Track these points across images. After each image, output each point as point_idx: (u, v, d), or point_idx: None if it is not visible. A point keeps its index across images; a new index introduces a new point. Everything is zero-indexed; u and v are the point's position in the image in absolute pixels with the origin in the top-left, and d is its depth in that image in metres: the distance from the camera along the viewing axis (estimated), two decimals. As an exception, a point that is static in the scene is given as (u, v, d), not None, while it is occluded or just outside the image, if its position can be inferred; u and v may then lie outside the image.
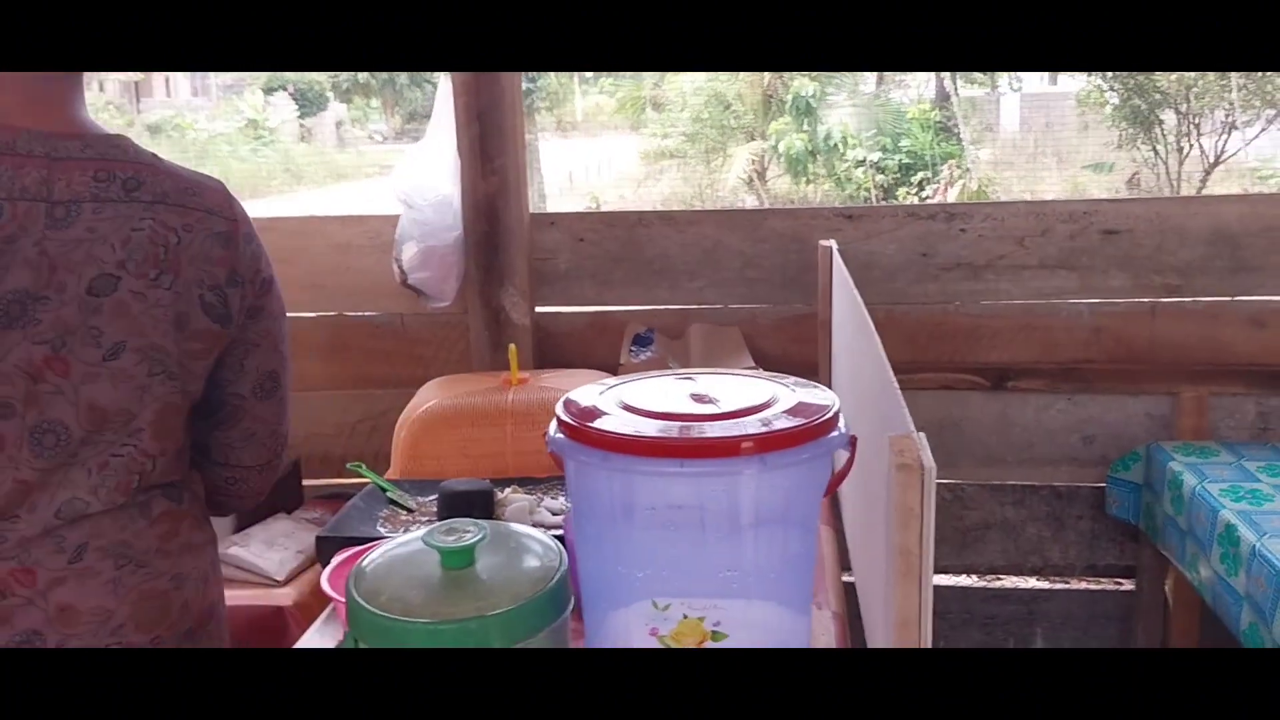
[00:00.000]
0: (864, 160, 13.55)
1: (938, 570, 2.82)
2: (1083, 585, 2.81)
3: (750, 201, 13.98)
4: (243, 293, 1.25)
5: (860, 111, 14.80)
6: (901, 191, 13.16)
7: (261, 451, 1.34)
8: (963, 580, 2.84)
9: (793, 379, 1.22)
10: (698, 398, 1.15)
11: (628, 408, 1.13)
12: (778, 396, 1.15)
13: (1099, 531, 2.66)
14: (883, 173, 13.41)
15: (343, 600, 1.25)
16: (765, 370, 2.40)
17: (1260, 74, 11.06)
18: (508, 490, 1.86)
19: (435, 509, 1.79)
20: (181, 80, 26.62)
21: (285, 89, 21.19)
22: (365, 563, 1.15)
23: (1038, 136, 15.21)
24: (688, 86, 15.52)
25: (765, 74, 14.32)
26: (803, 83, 14.04)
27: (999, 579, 2.90)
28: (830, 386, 2.28)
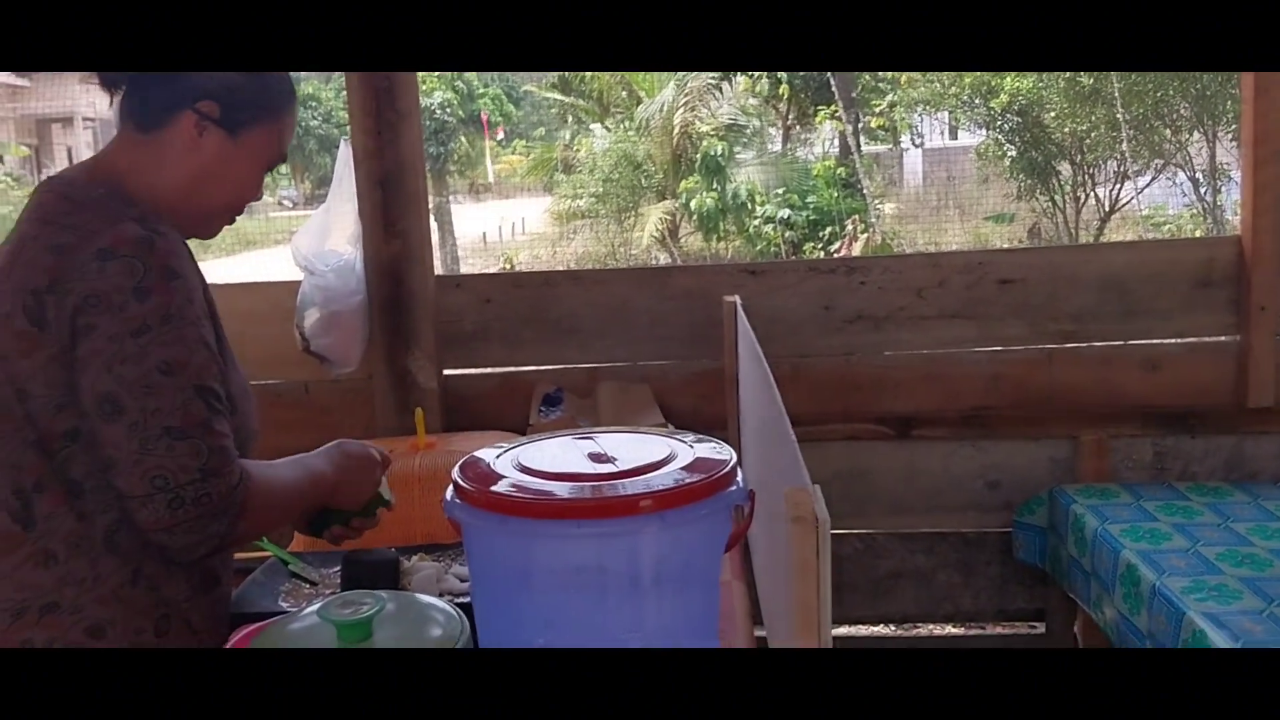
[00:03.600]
0: (773, 217, 13.77)
1: (853, 621, 2.83)
2: (996, 630, 2.84)
3: (663, 259, 14.10)
4: (62, 302, 1.29)
5: (768, 169, 15.08)
6: (809, 246, 13.39)
7: (133, 482, 1.28)
8: (878, 630, 2.86)
9: (692, 435, 1.22)
10: (596, 457, 1.14)
11: (525, 470, 1.12)
12: (676, 453, 1.15)
13: (1008, 576, 2.69)
14: (791, 229, 13.64)
15: (238, 679, 1.21)
16: (675, 426, 2.41)
17: (1148, 125, 11.52)
18: (414, 558, 1.82)
19: (340, 581, 1.74)
20: (84, 149, 26.17)
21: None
22: (259, 641, 1.12)
23: (940, 190, 15.62)
24: (598, 147, 15.68)
25: (674, 134, 14.54)
26: (712, 142, 14.28)
27: (914, 628, 2.92)
28: (739, 440, 2.29)
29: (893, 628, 2.93)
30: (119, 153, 1.45)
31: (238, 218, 1.56)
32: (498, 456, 1.17)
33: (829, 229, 13.53)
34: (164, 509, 1.27)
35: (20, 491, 1.34)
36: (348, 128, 2.58)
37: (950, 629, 2.91)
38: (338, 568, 1.80)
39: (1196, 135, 11.63)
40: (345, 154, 2.57)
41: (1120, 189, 12.54)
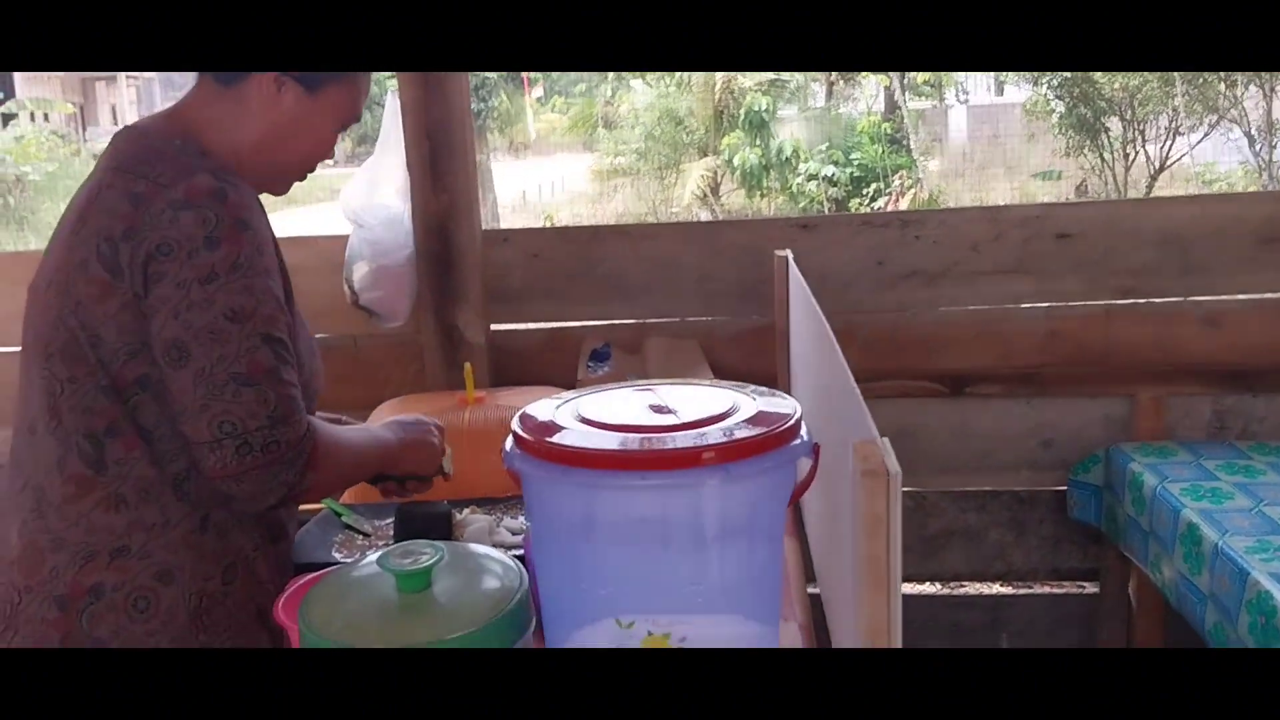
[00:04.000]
0: (816, 173, 13.63)
1: (901, 579, 2.81)
2: (1046, 589, 2.81)
3: (704, 216, 14.01)
4: (135, 250, 1.31)
5: (811, 124, 14.91)
6: (854, 203, 13.26)
7: (200, 428, 1.29)
8: (926, 588, 2.84)
9: (753, 387, 1.20)
10: (657, 409, 1.13)
11: (585, 421, 1.10)
12: (738, 405, 1.13)
13: (1061, 535, 2.66)
14: (835, 185, 13.50)
15: (294, 628, 1.21)
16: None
17: (1202, 79, 11.27)
18: (466, 511, 1.82)
19: (392, 532, 1.74)
20: (128, 108, 26.36)
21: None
22: (317, 590, 1.11)
23: (985, 146, 15.39)
24: (640, 103, 15.56)
25: (716, 89, 14.39)
26: (755, 97, 14.12)
27: (962, 586, 2.90)
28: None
29: (941, 586, 2.89)
30: (197, 104, 1.46)
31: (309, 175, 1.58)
32: (558, 407, 1.15)
33: (873, 185, 13.37)
34: (232, 456, 1.28)
35: (92, 436, 1.35)
36: (390, 82, 2.56)
37: (999, 588, 2.88)
38: (390, 520, 1.81)
39: (1252, 89, 11.36)
40: (393, 106, 2.55)
41: (1171, 145, 12.30)
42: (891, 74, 14.13)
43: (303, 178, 1.57)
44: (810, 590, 1.71)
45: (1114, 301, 2.54)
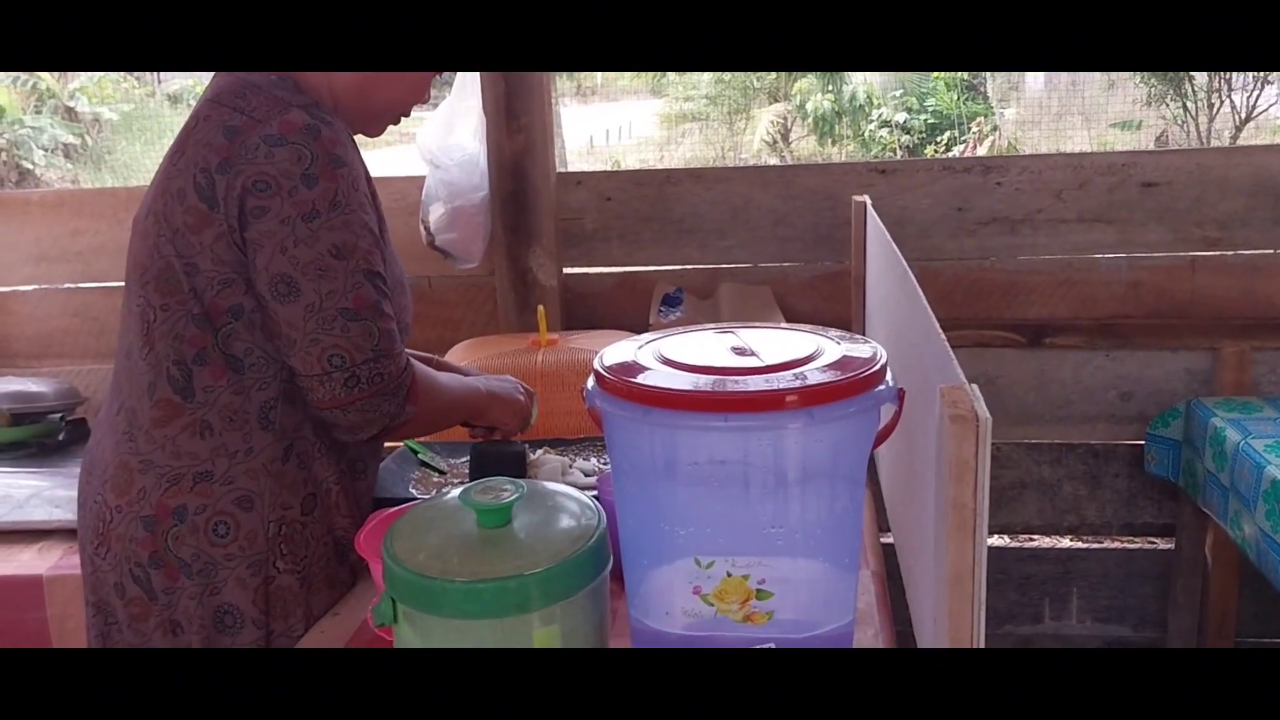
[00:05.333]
0: (890, 120, 13.40)
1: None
2: (1118, 544, 2.78)
3: (773, 164, 13.86)
4: (231, 183, 1.34)
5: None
6: (929, 151, 13.02)
7: (310, 361, 1.34)
8: (998, 540, 2.81)
9: (836, 331, 1.19)
10: (739, 351, 1.12)
11: (667, 362, 1.10)
12: (822, 349, 1.12)
13: (1136, 490, 2.62)
14: (908, 133, 13.26)
15: (376, 560, 1.23)
16: (797, 329, 2.37)
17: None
18: (540, 451, 1.84)
19: (467, 470, 1.77)
20: (201, 49, 26.54)
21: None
22: (400, 523, 1.13)
23: (1063, 95, 14.97)
24: (710, 48, 15.35)
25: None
26: (829, 41, 13.85)
27: (1033, 539, 2.87)
28: (864, 344, 2.24)
29: (1010, 539, 2.87)
30: None
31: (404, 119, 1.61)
32: (639, 348, 1.15)
33: (948, 133, 13.11)
34: (340, 387, 1.35)
35: (181, 363, 1.39)
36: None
37: (1071, 542, 2.85)
38: (465, 458, 1.83)
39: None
40: (469, 46, 2.54)
41: (1259, 94, 11.88)
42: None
43: (397, 121, 1.60)
44: (884, 539, 1.71)
45: (1199, 253, 2.48)
